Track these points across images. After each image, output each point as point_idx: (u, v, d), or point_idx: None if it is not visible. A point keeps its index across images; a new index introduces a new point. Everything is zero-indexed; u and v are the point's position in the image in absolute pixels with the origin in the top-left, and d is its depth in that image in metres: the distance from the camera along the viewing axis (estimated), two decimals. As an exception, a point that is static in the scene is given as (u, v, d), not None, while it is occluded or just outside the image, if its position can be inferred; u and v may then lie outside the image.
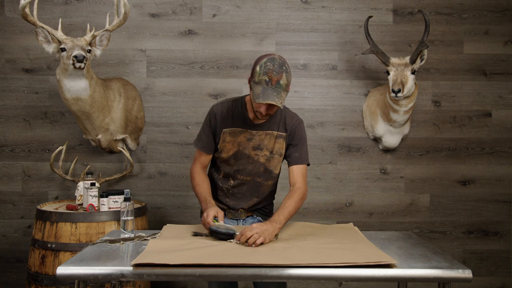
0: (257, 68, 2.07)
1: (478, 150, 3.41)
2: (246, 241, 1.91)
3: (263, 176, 2.33)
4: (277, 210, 2.14)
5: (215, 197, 2.39)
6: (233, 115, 2.29)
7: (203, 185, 2.31)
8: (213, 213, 2.08)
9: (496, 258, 3.42)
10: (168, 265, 1.66)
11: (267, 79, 2.03)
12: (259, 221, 2.37)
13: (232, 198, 2.37)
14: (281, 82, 2.04)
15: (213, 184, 2.41)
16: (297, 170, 2.28)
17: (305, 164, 2.29)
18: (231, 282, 2.37)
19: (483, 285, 3.43)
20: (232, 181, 2.35)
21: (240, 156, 2.29)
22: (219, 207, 2.36)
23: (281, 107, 2.08)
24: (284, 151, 2.31)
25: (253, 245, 1.89)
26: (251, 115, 2.25)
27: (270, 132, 2.28)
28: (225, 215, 2.39)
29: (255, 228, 1.94)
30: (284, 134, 2.29)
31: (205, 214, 2.09)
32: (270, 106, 2.11)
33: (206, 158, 2.37)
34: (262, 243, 1.91)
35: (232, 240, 1.97)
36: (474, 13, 3.37)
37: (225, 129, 2.29)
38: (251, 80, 2.11)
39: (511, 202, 3.42)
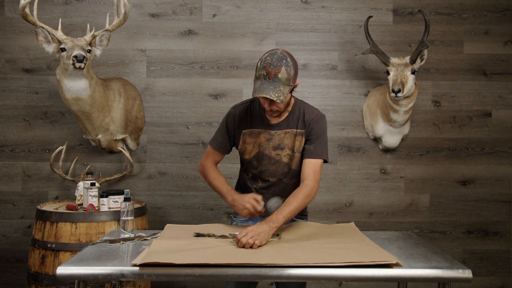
0: (258, 64, 2.08)
1: (478, 150, 3.41)
2: (243, 246, 1.87)
3: (288, 176, 2.31)
4: (279, 208, 2.09)
5: None
6: (251, 115, 2.28)
7: (220, 179, 2.30)
8: (253, 200, 2.10)
9: (496, 258, 3.42)
10: (171, 265, 1.66)
11: (265, 73, 2.03)
12: (293, 220, 2.33)
13: (263, 198, 2.34)
14: (280, 75, 2.02)
15: (244, 185, 2.40)
16: (309, 165, 2.21)
17: (319, 159, 2.22)
18: (250, 282, 2.32)
19: (483, 285, 3.43)
20: (260, 182, 2.34)
21: (261, 157, 2.28)
22: None
23: (278, 101, 2.03)
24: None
25: (253, 247, 1.87)
26: (268, 116, 2.25)
27: (289, 130, 2.26)
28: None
29: (250, 231, 1.90)
30: (303, 131, 2.25)
31: (248, 205, 2.11)
32: (272, 101, 2.09)
33: (218, 157, 2.38)
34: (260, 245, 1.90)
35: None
36: (474, 13, 3.37)
37: (244, 130, 2.28)
38: (254, 77, 2.11)
39: (511, 202, 3.42)
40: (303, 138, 2.26)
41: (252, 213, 2.13)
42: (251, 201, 2.12)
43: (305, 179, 2.19)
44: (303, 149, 2.26)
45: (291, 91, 2.13)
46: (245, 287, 2.32)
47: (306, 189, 2.14)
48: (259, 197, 2.15)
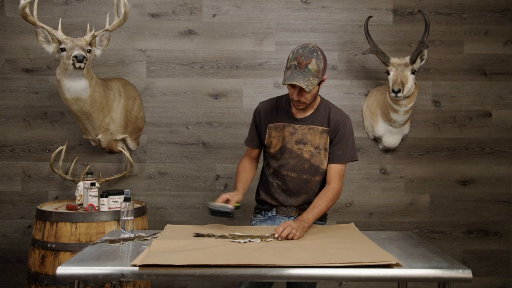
0: (290, 55, 2.17)
1: (478, 150, 3.41)
2: (286, 236, 2.00)
3: (309, 172, 2.34)
4: (308, 209, 2.20)
5: (269, 193, 2.43)
6: (277, 110, 2.36)
7: (242, 174, 2.43)
8: (225, 197, 2.18)
9: (496, 258, 3.42)
10: (171, 265, 1.66)
11: (296, 64, 2.12)
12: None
13: (281, 194, 2.39)
14: (310, 66, 2.11)
15: (265, 181, 2.45)
16: (335, 169, 2.31)
17: (345, 162, 2.32)
18: (264, 282, 2.33)
19: (483, 285, 3.43)
20: (280, 177, 2.38)
21: (284, 151, 2.33)
22: (271, 203, 2.43)
23: (307, 90, 2.10)
24: (328, 146, 2.33)
25: (294, 238, 2.01)
26: (294, 110, 2.31)
27: (314, 127, 2.30)
28: (277, 211, 2.43)
29: (290, 225, 2.04)
30: (328, 129, 2.31)
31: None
32: (300, 91, 2.16)
33: (254, 152, 2.48)
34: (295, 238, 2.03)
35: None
36: (474, 13, 3.37)
37: (270, 125, 2.36)
38: (285, 68, 2.19)
39: (511, 202, 3.42)
40: (328, 136, 2.31)
41: None
42: (222, 196, 2.22)
43: (331, 182, 2.29)
44: (330, 152, 2.31)
45: (319, 84, 2.21)
46: (260, 287, 2.33)
47: (333, 192, 2.26)
48: (234, 198, 2.23)
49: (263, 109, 2.39)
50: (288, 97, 2.35)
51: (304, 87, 2.09)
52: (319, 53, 2.15)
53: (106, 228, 2.66)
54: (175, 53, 3.32)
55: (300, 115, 2.32)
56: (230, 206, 2.11)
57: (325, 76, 2.22)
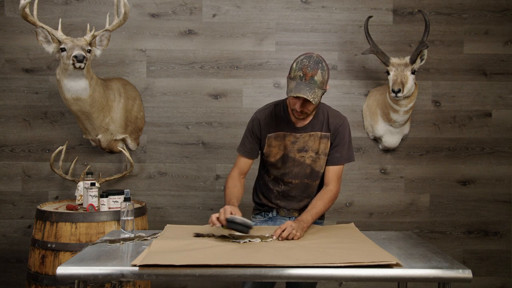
0: (294, 65, 2.11)
1: (478, 150, 3.41)
2: (286, 237, 1.99)
3: (310, 177, 2.34)
4: (306, 210, 2.19)
5: (268, 198, 2.42)
6: (276, 119, 2.31)
7: (233, 189, 2.30)
8: (229, 210, 2.06)
9: (496, 258, 3.42)
10: (171, 265, 1.66)
11: (301, 74, 2.06)
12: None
13: (283, 200, 2.39)
14: (316, 78, 2.06)
15: (264, 186, 2.43)
16: (333, 170, 2.30)
17: (342, 164, 2.31)
18: (266, 282, 2.30)
19: (483, 285, 3.43)
20: (282, 184, 2.36)
21: (286, 160, 2.31)
22: (271, 207, 2.42)
23: (314, 102, 2.07)
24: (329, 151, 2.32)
25: (294, 238, 2.00)
26: (293, 118, 2.27)
27: (314, 133, 2.29)
28: (277, 213, 2.42)
29: (292, 224, 2.03)
30: (328, 134, 2.29)
31: (221, 210, 2.06)
32: (304, 103, 2.12)
33: (246, 164, 2.38)
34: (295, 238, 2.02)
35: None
36: (474, 13, 3.37)
37: (269, 134, 2.31)
38: (288, 77, 2.14)
39: (511, 202, 3.42)
40: (328, 141, 2.30)
41: (213, 221, 2.07)
42: (226, 208, 2.07)
43: (329, 184, 2.29)
44: (329, 154, 2.30)
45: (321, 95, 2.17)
46: (262, 287, 2.32)
47: (331, 194, 2.26)
48: (238, 214, 2.09)
49: (262, 118, 2.32)
50: (286, 105, 2.31)
51: (311, 99, 2.04)
52: (324, 64, 2.10)
53: (106, 228, 2.66)
54: (175, 53, 3.33)
55: (300, 124, 2.28)
56: (250, 222, 2.05)
57: (327, 87, 2.18)
